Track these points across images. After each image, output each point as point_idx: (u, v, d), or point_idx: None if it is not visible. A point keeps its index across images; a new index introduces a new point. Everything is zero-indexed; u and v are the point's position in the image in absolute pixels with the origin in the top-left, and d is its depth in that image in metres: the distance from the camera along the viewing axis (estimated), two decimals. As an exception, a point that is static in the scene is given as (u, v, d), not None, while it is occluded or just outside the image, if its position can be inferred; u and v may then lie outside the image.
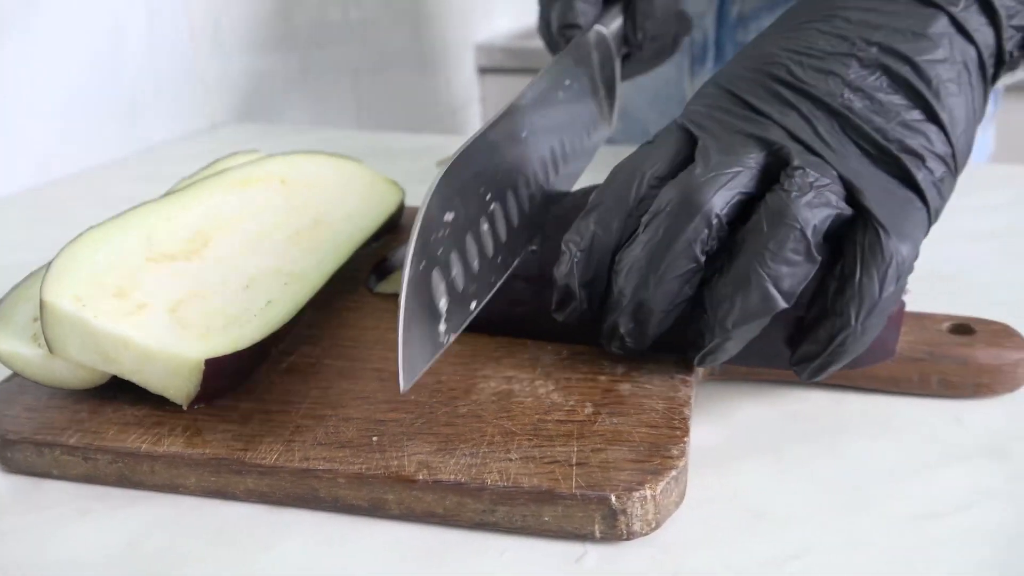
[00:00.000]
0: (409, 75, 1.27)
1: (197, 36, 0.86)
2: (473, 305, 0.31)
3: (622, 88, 0.51)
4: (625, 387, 0.33)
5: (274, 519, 0.30)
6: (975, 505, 0.29)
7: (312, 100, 1.05)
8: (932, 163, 0.31)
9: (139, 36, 0.79)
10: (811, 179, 0.30)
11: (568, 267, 0.33)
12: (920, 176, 0.31)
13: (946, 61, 0.32)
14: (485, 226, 0.32)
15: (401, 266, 0.40)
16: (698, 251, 0.30)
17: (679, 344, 0.33)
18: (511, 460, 0.29)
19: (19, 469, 0.32)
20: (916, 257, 0.30)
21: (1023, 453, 0.32)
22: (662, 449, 0.29)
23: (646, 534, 0.28)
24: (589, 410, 0.31)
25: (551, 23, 0.49)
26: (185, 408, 0.32)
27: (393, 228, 0.49)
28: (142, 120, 0.80)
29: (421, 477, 0.28)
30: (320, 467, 0.29)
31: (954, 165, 0.32)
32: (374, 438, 0.31)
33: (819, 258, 0.29)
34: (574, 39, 0.46)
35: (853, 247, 0.29)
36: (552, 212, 0.37)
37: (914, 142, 0.31)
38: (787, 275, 0.29)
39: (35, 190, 0.69)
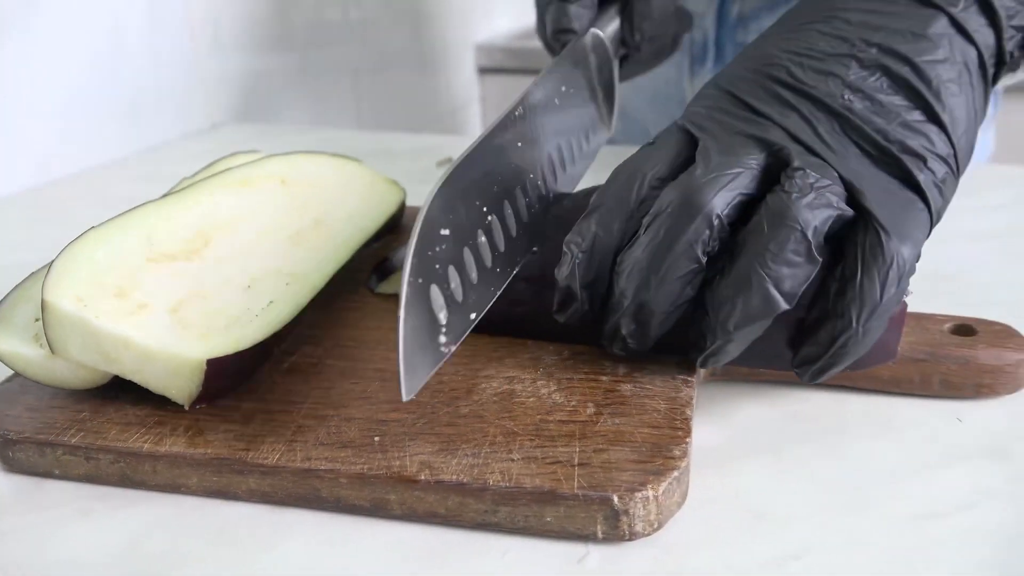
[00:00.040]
0: (409, 75, 1.27)
1: (197, 36, 0.85)
2: (473, 316, 0.31)
3: (620, 89, 0.51)
4: (627, 387, 0.33)
5: (276, 519, 0.30)
6: (976, 505, 0.29)
7: (312, 100, 1.05)
8: (933, 164, 0.31)
9: (139, 36, 0.79)
10: (812, 180, 0.30)
11: (569, 268, 0.33)
12: (922, 177, 0.31)
13: (946, 62, 0.32)
14: (482, 238, 0.32)
15: (400, 269, 0.40)
16: (699, 252, 0.30)
17: (681, 345, 0.33)
18: (513, 460, 0.29)
19: (21, 469, 0.32)
20: (918, 259, 0.30)
21: (1024, 454, 0.32)
22: (664, 450, 0.29)
23: (648, 535, 0.28)
24: (591, 410, 0.31)
25: (546, 27, 0.49)
26: (187, 408, 0.32)
27: (394, 228, 0.49)
28: (142, 120, 0.80)
29: (423, 477, 0.28)
30: (322, 467, 0.29)
31: (956, 166, 0.32)
32: (376, 438, 0.31)
33: (820, 259, 0.29)
34: (569, 44, 0.46)
35: (854, 248, 0.29)
36: (553, 213, 0.37)
37: (915, 143, 0.31)
38: (788, 276, 0.29)
39: (35, 190, 0.69)
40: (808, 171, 0.30)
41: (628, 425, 0.30)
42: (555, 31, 0.48)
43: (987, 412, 0.34)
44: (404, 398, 0.26)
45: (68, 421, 0.32)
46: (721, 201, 0.30)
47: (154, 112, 0.81)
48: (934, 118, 0.31)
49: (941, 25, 0.32)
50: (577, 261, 0.32)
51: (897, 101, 0.31)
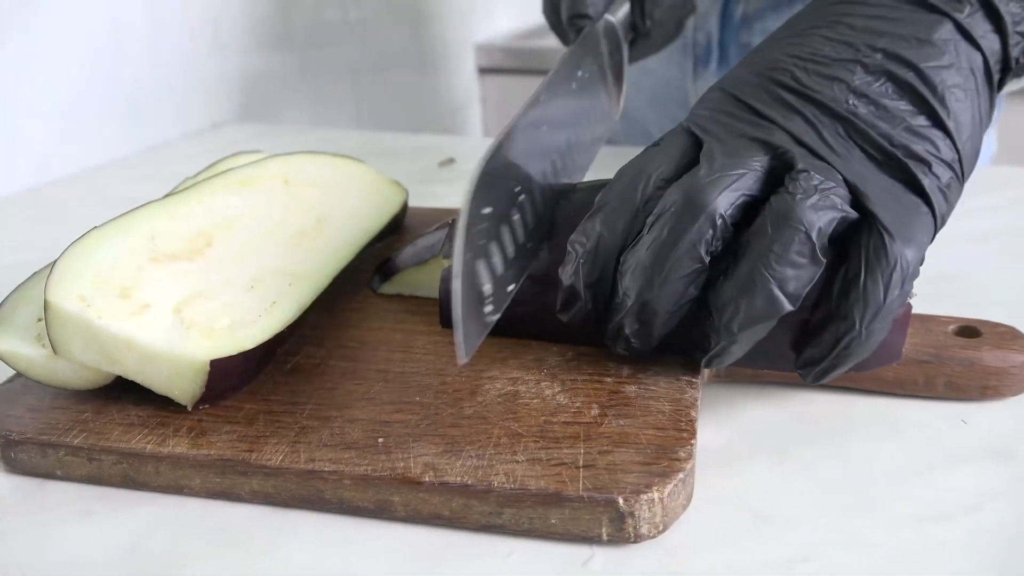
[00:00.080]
0: (409, 75, 1.27)
1: (197, 36, 0.85)
2: (510, 288, 0.33)
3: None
4: (631, 389, 0.33)
5: (279, 520, 0.30)
6: (981, 507, 0.29)
7: (312, 100, 1.05)
8: (938, 169, 0.31)
9: (139, 36, 0.78)
10: (816, 182, 0.30)
11: (573, 268, 0.33)
12: (926, 182, 0.31)
13: (951, 67, 0.32)
14: (516, 216, 0.33)
15: (409, 265, 0.40)
16: (702, 252, 0.30)
17: (685, 345, 0.33)
18: (518, 462, 0.29)
19: (23, 470, 0.32)
20: (921, 262, 0.30)
21: (1029, 456, 0.32)
22: (669, 451, 0.29)
23: (653, 537, 0.28)
24: (595, 412, 0.31)
25: (560, 12, 0.50)
26: (190, 409, 0.32)
27: (397, 229, 0.49)
28: (142, 120, 0.80)
29: (427, 479, 0.28)
30: (326, 468, 0.29)
31: (960, 171, 0.32)
32: (380, 439, 0.30)
33: (824, 261, 0.29)
34: (585, 29, 0.46)
35: (858, 250, 0.29)
36: (559, 212, 0.37)
37: (920, 148, 0.31)
38: (792, 278, 0.29)
39: (35, 190, 0.68)
40: (812, 173, 0.30)
41: (633, 427, 0.30)
42: (571, 16, 0.49)
43: (992, 414, 0.34)
44: (461, 362, 0.29)
45: (70, 422, 0.32)
46: (725, 201, 0.30)
47: (154, 112, 0.81)
48: (939, 123, 0.31)
49: (946, 31, 0.32)
50: (581, 261, 0.32)
51: (902, 106, 0.31)
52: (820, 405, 0.35)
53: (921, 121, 0.31)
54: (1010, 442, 0.32)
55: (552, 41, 1.56)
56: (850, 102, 0.31)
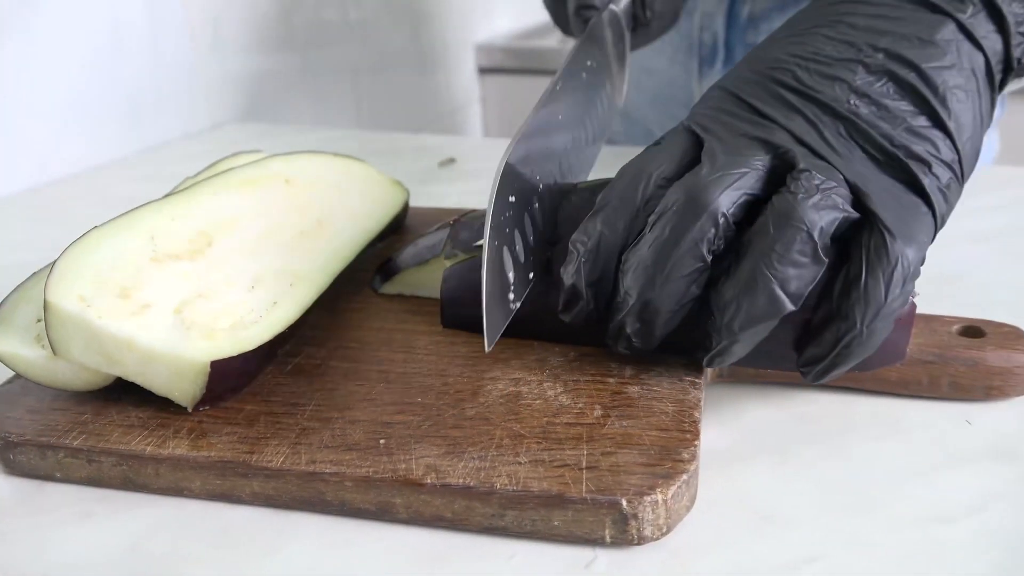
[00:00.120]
0: (409, 75, 1.26)
1: (197, 36, 0.85)
2: (531, 275, 0.34)
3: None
4: (634, 389, 0.32)
5: (280, 522, 0.30)
6: (985, 508, 0.29)
7: (312, 100, 1.05)
8: (938, 169, 0.31)
9: (139, 36, 0.78)
10: (817, 181, 0.30)
11: (575, 267, 0.32)
12: (926, 182, 0.31)
13: (953, 67, 0.32)
14: (536, 204, 0.35)
15: (410, 265, 0.40)
16: (704, 251, 0.30)
17: (687, 345, 0.33)
18: (520, 464, 0.29)
19: (22, 471, 0.32)
20: (922, 261, 0.30)
21: (1034, 456, 0.31)
22: (673, 452, 0.29)
23: (657, 539, 0.28)
24: (598, 413, 0.31)
25: (567, 3, 0.51)
26: (190, 410, 0.32)
27: (398, 229, 0.49)
28: (142, 120, 0.80)
29: (429, 481, 0.28)
30: (327, 470, 0.29)
31: (960, 171, 0.32)
32: (381, 441, 0.30)
33: (826, 260, 0.29)
34: (591, 21, 0.47)
35: (859, 250, 0.29)
36: (560, 212, 0.37)
37: (920, 148, 0.31)
38: (794, 277, 0.29)
39: (35, 190, 0.68)
40: (814, 172, 0.30)
41: (636, 428, 0.30)
42: (578, 7, 0.50)
43: (996, 414, 0.34)
44: (487, 349, 0.31)
45: (70, 423, 0.32)
46: (727, 200, 0.30)
47: (154, 112, 0.81)
48: (939, 124, 0.31)
49: (949, 31, 0.32)
50: (583, 260, 0.32)
51: (903, 106, 0.31)
52: (824, 405, 0.35)
53: (922, 122, 0.31)
54: (1014, 442, 0.32)
55: (552, 41, 1.56)
56: (851, 102, 0.31)
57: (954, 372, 0.34)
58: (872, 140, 0.31)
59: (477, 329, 0.31)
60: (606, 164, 0.40)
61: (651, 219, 0.31)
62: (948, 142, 0.31)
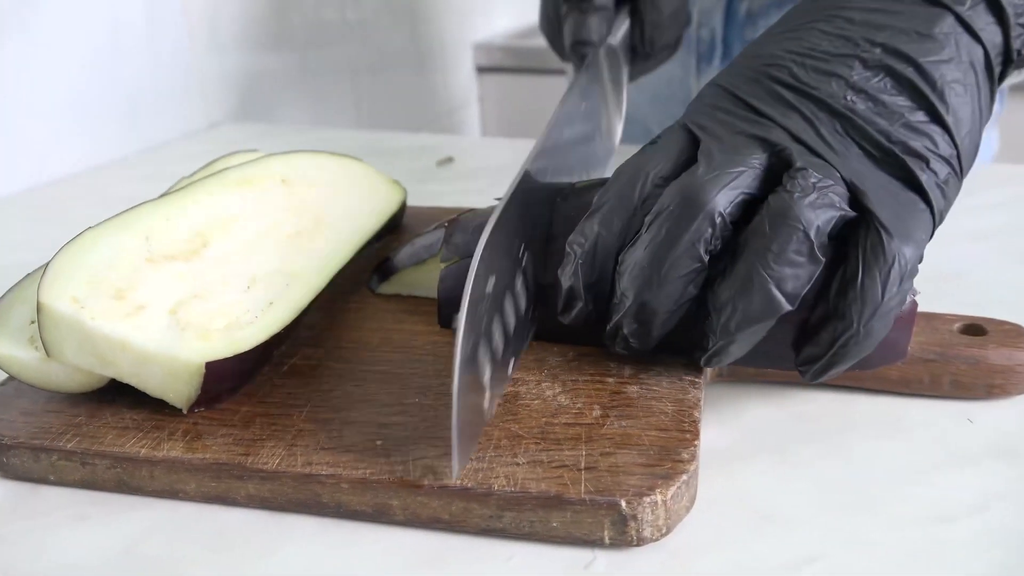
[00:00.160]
0: (407, 74, 1.26)
1: (195, 36, 0.85)
2: (511, 367, 0.31)
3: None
4: (633, 389, 0.32)
5: (275, 525, 0.29)
6: (987, 508, 0.29)
7: (310, 100, 1.05)
8: (936, 165, 0.31)
9: (137, 36, 0.78)
10: (814, 180, 0.29)
11: (572, 269, 0.32)
12: (924, 178, 0.30)
13: (951, 61, 0.31)
14: (519, 281, 0.32)
15: (408, 265, 0.40)
16: (701, 251, 0.30)
17: (684, 345, 0.32)
18: (518, 464, 0.28)
19: (15, 474, 0.32)
20: (920, 259, 0.30)
21: (1036, 455, 0.31)
22: (672, 453, 0.29)
23: (656, 540, 0.27)
24: (597, 413, 0.31)
25: (563, 38, 0.50)
26: (185, 412, 0.32)
27: (395, 228, 0.49)
28: (142, 120, 0.80)
29: (426, 482, 0.28)
30: (323, 472, 0.29)
31: (959, 167, 0.31)
32: (378, 442, 0.30)
33: (823, 259, 0.29)
34: (588, 58, 0.46)
35: (856, 249, 0.29)
36: (558, 212, 0.36)
37: (918, 144, 0.30)
38: (790, 277, 0.29)
39: (34, 190, 0.68)
40: (810, 171, 0.30)
41: (635, 428, 0.30)
42: (573, 43, 0.49)
43: (998, 412, 0.34)
44: (454, 477, 0.27)
45: (64, 426, 0.32)
46: (724, 199, 0.30)
47: (153, 112, 0.81)
48: (937, 119, 0.31)
49: (947, 24, 0.32)
50: (580, 262, 0.32)
51: (900, 102, 0.31)
52: (824, 404, 0.34)
53: (919, 117, 0.31)
54: (1016, 441, 0.32)
55: (551, 40, 1.54)
56: (848, 98, 0.31)
57: (955, 370, 0.34)
58: (869, 136, 0.31)
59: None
60: (606, 162, 0.40)
61: (648, 219, 0.31)
62: (946, 137, 0.31)
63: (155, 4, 0.80)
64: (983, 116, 0.32)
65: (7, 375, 0.34)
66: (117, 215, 0.35)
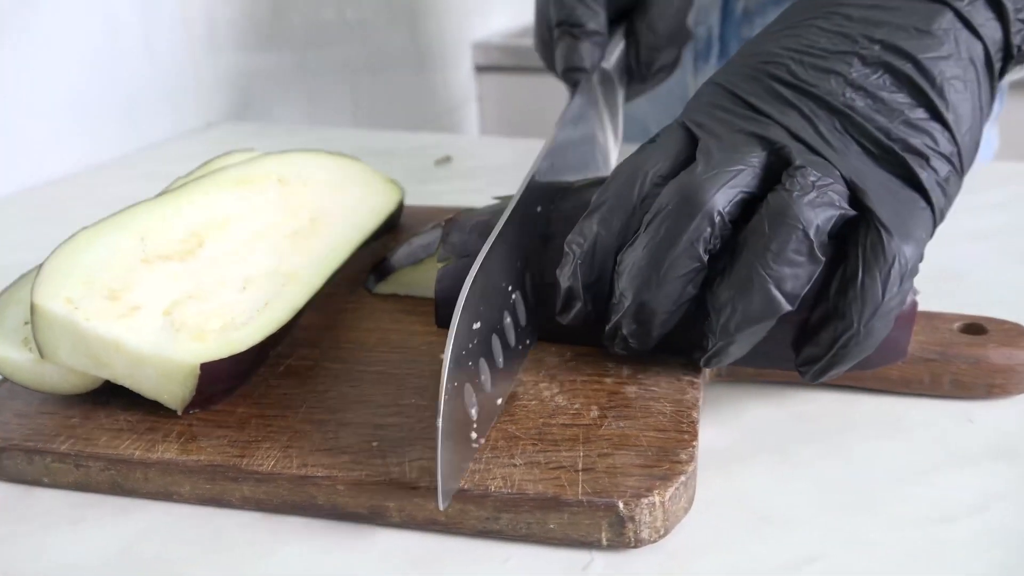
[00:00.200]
0: (406, 74, 1.26)
1: (193, 35, 0.85)
2: (499, 401, 0.31)
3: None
4: (631, 389, 0.32)
5: (271, 527, 0.29)
6: (987, 508, 0.29)
7: (308, 99, 1.05)
8: (936, 162, 0.30)
9: (135, 36, 0.78)
10: (813, 178, 0.29)
11: (571, 269, 0.32)
12: (924, 176, 0.30)
13: (951, 58, 0.31)
14: (507, 319, 0.32)
15: (405, 264, 0.40)
16: (701, 250, 0.30)
17: (683, 345, 0.32)
18: (515, 466, 0.28)
19: (9, 477, 0.32)
20: (920, 258, 0.29)
21: (1037, 455, 0.31)
22: (670, 453, 0.28)
23: (654, 541, 0.27)
24: (595, 413, 0.31)
25: (555, 64, 0.49)
26: (180, 413, 0.32)
27: (392, 228, 0.49)
28: (140, 119, 0.80)
29: (423, 484, 0.28)
30: (319, 474, 0.29)
31: (959, 164, 0.31)
32: (374, 443, 0.30)
33: (823, 259, 0.29)
34: (580, 84, 0.46)
35: (856, 248, 0.29)
36: (556, 212, 0.36)
37: (918, 141, 0.30)
38: (790, 277, 0.29)
39: (33, 190, 0.68)
40: (809, 169, 0.29)
41: (633, 428, 0.30)
42: (565, 69, 0.48)
43: (998, 412, 0.33)
44: (441, 508, 0.26)
45: (57, 427, 0.32)
46: (723, 198, 0.30)
47: (151, 111, 0.81)
48: (937, 116, 0.31)
49: (946, 20, 0.31)
50: (578, 262, 0.32)
51: (900, 99, 0.31)
52: (824, 404, 0.34)
53: (919, 114, 0.31)
54: (1016, 441, 0.32)
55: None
56: (847, 95, 0.31)
57: (956, 370, 0.33)
58: (868, 134, 0.30)
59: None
60: (603, 161, 0.40)
61: (646, 219, 0.31)
62: (946, 134, 0.31)
63: (153, 4, 0.79)
64: (983, 113, 0.32)
65: (1, 377, 0.34)
66: (112, 215, 0.35)
